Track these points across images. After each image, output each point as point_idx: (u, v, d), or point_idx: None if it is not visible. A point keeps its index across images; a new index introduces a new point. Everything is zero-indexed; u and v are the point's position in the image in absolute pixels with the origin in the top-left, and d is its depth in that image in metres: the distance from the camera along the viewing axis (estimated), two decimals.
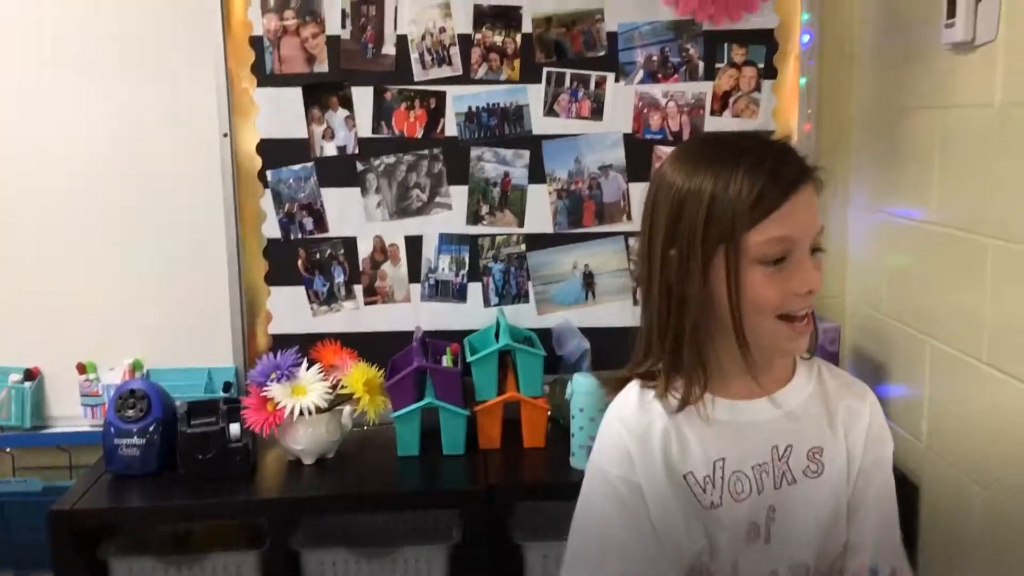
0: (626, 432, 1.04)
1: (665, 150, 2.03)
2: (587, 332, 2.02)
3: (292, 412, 1.76)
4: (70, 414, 2.04)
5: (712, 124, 2.04)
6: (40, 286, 2.02)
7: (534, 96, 2.02)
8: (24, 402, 2.00)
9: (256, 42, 1.98)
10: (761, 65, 2.03)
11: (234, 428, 1.78)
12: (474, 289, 2.07)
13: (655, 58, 2.02)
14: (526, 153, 2.04)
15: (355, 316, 2.07)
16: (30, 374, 2.02)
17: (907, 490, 1.68)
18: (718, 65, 2.03)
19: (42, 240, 2.02)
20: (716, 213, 0.96)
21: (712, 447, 1.05)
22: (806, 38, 2.02)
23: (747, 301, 0.98)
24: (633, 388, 1.08)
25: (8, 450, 2.05)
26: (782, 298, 0.98)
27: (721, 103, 2.04)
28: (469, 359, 1.89)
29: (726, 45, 2.02)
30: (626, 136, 2.04)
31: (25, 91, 1.98)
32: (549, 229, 2.06)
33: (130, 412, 1.79)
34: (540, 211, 2.05)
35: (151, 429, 1.79)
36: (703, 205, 0.96)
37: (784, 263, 0.98)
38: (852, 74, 2.04)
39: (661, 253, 1.00)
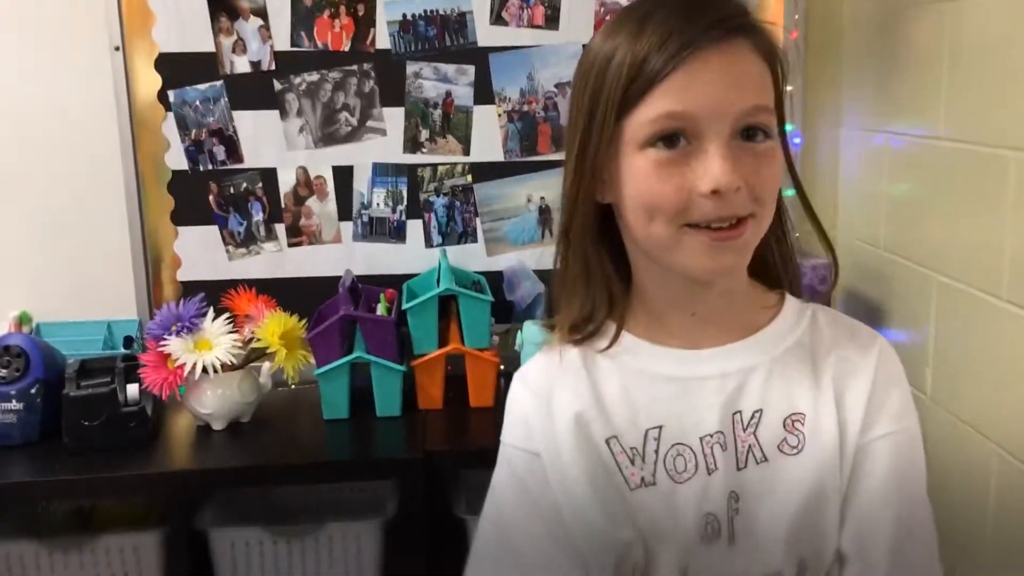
0: (525, 391, 0.87)
1: None
2: (542, 274, 1.78)
3: (194, 369, 1.52)
4: None
5: None
6: None
7: (479, 2, 1.78)
8: None
9: None
10: None
11: (132, 389, 1.56)
12: (414, 227, 1.85)
13: None
14: (471, 69, 1.80)
15: (278, 259, 1.84)
16: None
17: None
18: None
19: None
20: (603, 85, 0.77)
21: (646, 412, 0.82)
22: None
23: (631, 198, 0.77)
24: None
25: None
26: (679, 196, 0.75)
27: None
28: (405, 306, 1.65)
29: None
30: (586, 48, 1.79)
31: None
32: (499, 157, 1.84)
33: (3, 372, 1.54)
34: (488, 136, 1.83)
35: (32, 392, 1.55)
36: (594, 77, 0.78)
37: (687, 150, 0.75)
38: None
39: (578, 148, 0.80)
